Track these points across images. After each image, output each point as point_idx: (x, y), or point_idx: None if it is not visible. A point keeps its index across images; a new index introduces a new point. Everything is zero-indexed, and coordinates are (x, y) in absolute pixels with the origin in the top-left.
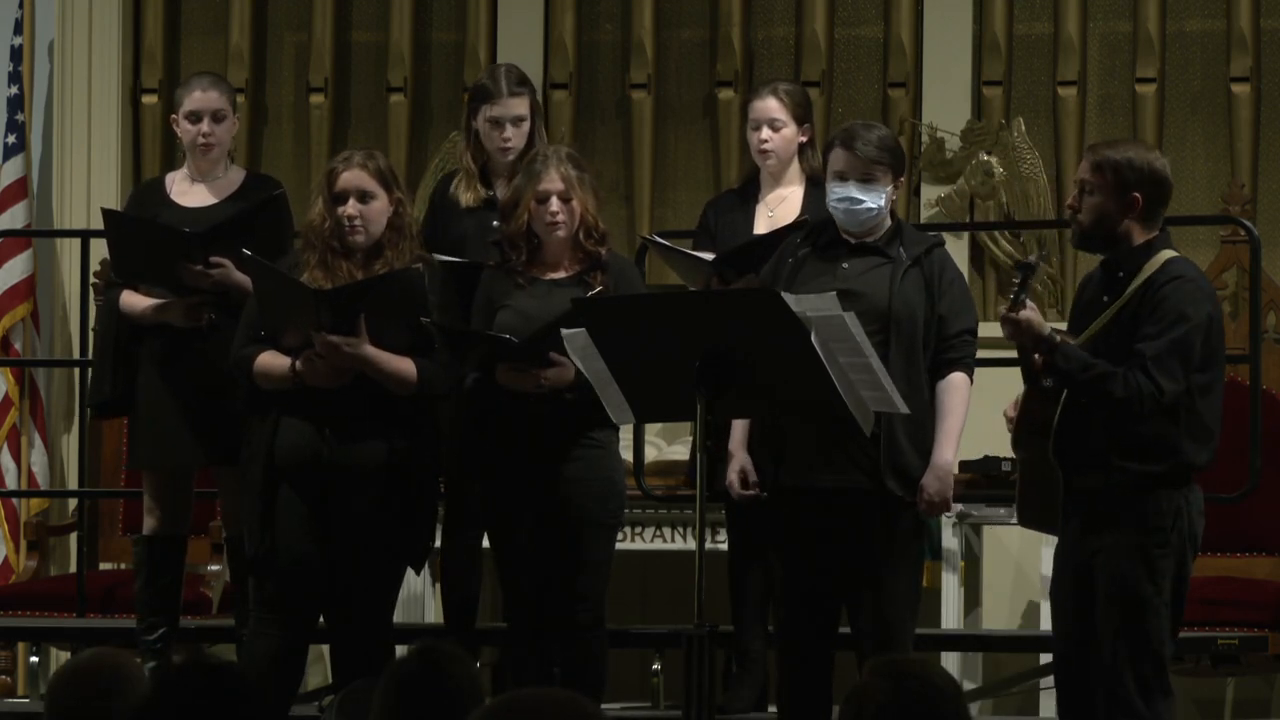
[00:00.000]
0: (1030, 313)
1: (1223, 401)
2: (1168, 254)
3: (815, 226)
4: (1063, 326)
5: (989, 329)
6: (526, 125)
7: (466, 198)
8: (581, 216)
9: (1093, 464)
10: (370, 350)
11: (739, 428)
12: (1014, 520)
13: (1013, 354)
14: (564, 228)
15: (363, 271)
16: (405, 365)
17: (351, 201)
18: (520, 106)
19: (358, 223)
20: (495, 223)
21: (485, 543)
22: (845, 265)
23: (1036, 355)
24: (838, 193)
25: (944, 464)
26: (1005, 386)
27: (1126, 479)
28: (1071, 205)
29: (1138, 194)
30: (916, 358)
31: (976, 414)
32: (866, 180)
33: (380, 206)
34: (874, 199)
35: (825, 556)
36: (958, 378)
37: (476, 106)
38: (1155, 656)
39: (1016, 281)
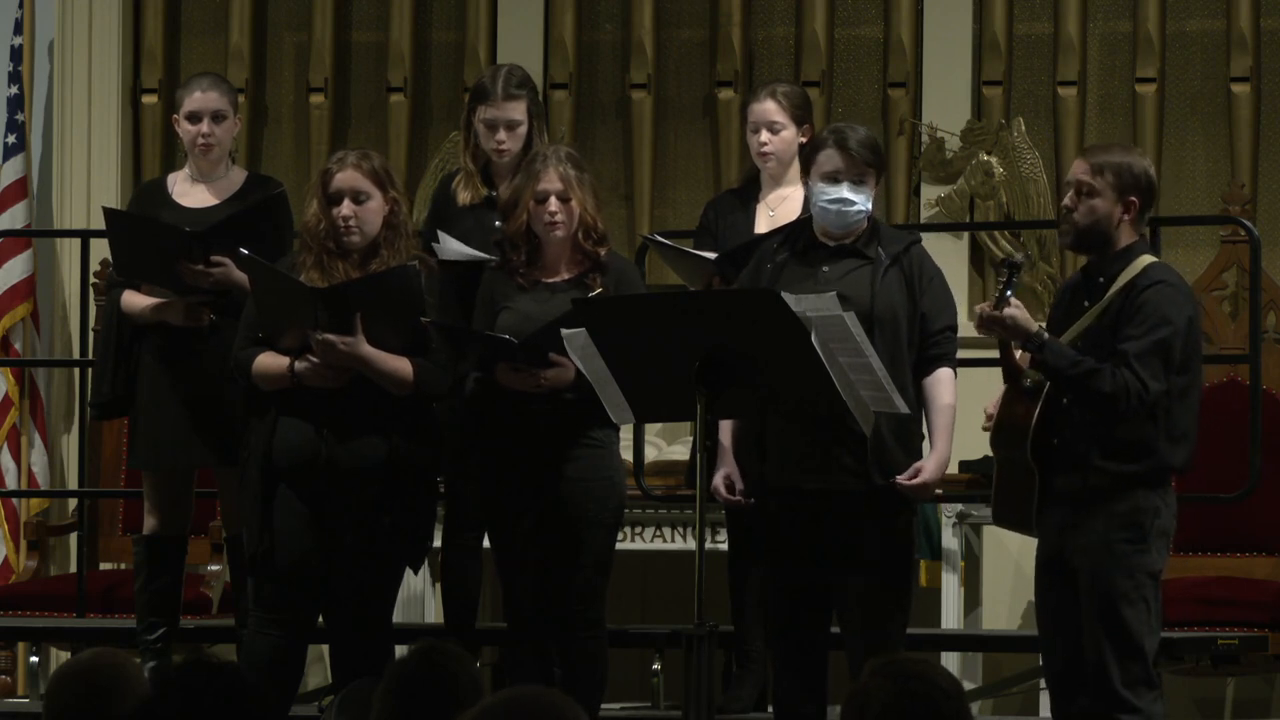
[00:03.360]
0: (1015, 310)
1: (1200, 404)
2: (1147, 259)
3: (792, 230)
4: None
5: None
6: (522, 129)
7: (464, 196)
8: (580, 216)
9: (1072, 464)
10: (367, 349)
11: (727, 428)
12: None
13: None
14: (563, 228)
15: (359, 272)
16: (402, 365)
17: (346, 202)
18: (515, 110)
19: (352, 223)
20: (498, 222)
21: (485, 543)
22: (825, 269)
23: (1022, 351)
24: (829, 194)
25: (945, 458)
26: (1002, 386)
27: (1106, 479)
28: (1069, 205)
29: (1135, 198)
30: (901, 357)
31: (976, 414)
32: (858, 182)
33: (375, 206)
34: (864, 201)
35: (814, 558)
36: (944, 373)
37: (474, 106)
38: (1138, 650)
39: (1002, 280)
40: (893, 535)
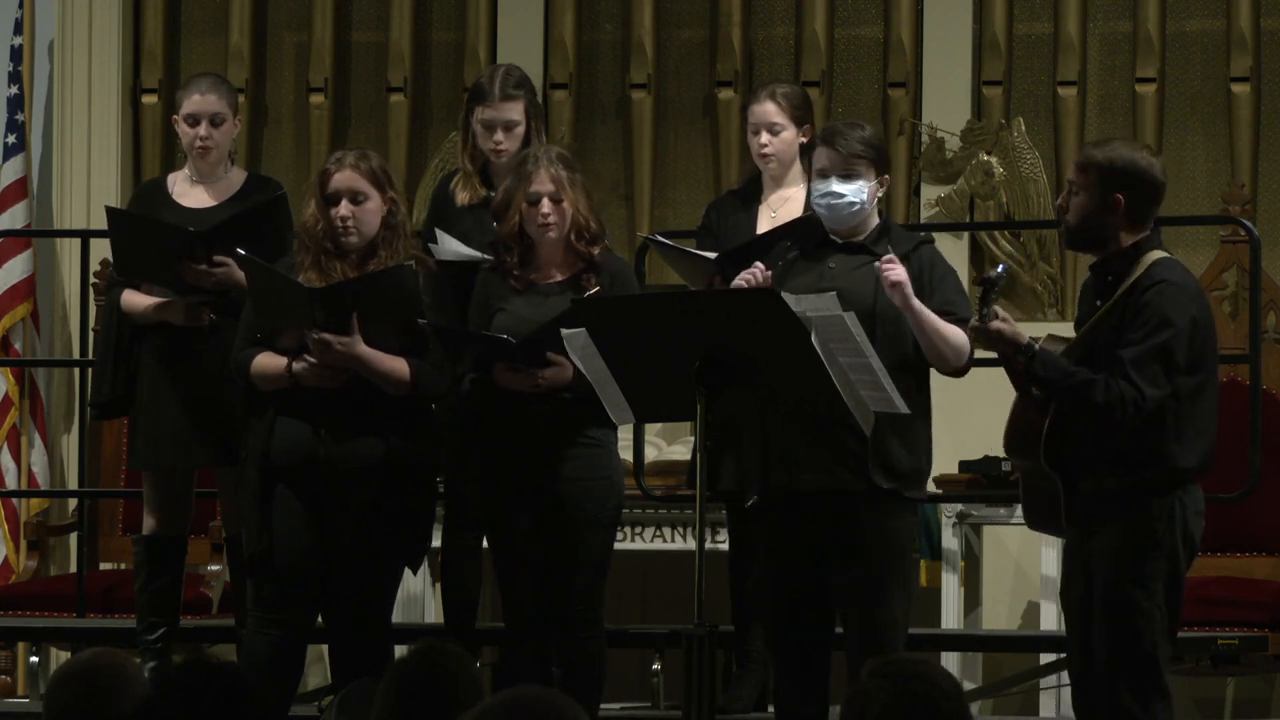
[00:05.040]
0: (1001, 324)
1: (1218, 402)
2: (1155, 255)
3: (805, 229)
4: (1063, 326)
5: None
6: (520, 129)
7: (463, 196)
8: (573, 217)
9: (1084, 471)
10: (363, 349)
11: None
12: (1014, 520)
13: None
14: (555, 229)
15: (357, 272)
16: (399, 365)
17: (344, 203)
18: (513, 111)
19: (350, 224)
20: (495, 223)
21: (485, 543)
22: (831, 264)
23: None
24: (820, 189)
25: (926, 315)
26: (1005, 387)
27: (1117, 485)
28: (1061, 205)
29: (1119, 195)
30: (903, 356)
31: (976, 414)
32: (847, 175)
33: (373, 207)
34: (855, 194)
35: (814, 558)
36: (958, 329)
37: (472, 106)
38: (1148, 658)
39: (979, 297)
40: (893, 535)
